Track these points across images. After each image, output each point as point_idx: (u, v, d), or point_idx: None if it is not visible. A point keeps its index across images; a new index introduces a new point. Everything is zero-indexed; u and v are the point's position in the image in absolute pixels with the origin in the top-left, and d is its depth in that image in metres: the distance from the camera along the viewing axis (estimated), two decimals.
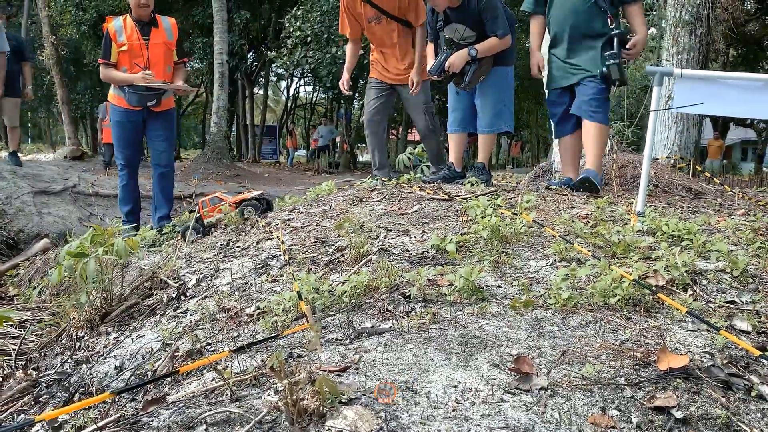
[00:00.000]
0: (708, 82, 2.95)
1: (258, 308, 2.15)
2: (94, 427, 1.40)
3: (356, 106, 25.15)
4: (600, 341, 1.56)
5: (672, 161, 6.12)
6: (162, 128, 4.88)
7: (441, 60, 4.22)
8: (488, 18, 4.11)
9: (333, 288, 2.05)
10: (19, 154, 8.17)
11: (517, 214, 2.74)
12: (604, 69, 3.72)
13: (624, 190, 4.86)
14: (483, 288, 1.92)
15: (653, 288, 1.88)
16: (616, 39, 3.72)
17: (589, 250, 2.32)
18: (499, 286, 1.99)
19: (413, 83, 4.56)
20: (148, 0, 4.60)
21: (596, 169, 3.81)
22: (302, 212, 3.74)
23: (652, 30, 8.95)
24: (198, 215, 3.96)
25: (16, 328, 3.52)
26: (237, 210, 3.93)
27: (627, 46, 3.75)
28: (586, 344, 1.54)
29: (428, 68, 4.40)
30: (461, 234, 2.56)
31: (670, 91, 4.96)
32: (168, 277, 2.91)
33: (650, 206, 3.29)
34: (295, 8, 13.24)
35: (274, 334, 1.62)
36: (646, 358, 1.45)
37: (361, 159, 27.96)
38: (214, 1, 13.40)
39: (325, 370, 1.34)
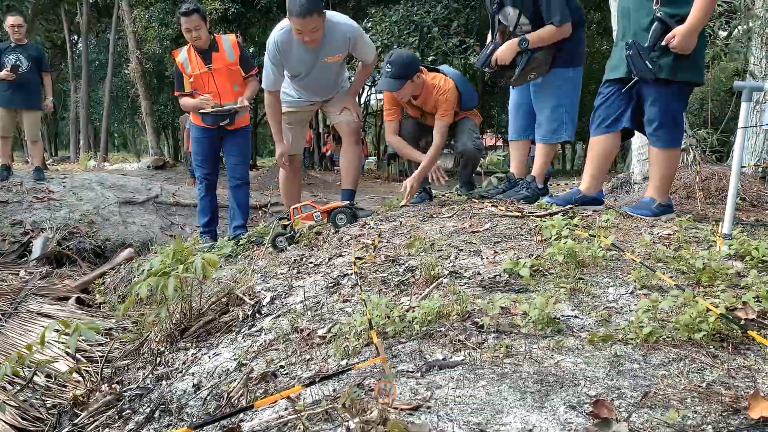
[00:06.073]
0: None
1: (329, 331, 2.17)
2: None
3: None
4: (684, 382, 1.48)
5: (761, 170, 5.76)
6: (236, 145, 5.14)
7: (488, 52, 3.85)
8: (543, 1, 3.65)
9: (403, 314, 2.04)
10: (48, 167, 7.84)
11: (594, 236, 2.65)
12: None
13: (708, 204, 4.63)
14: (558, 319, 1.87)
15: (742, 323, 1.77)
16: (655, 24, 3.13)
17: (672, 277, 2.21)
18: (575, 317, 1.93)
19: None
20: (199, 33, 4.75)
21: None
22: (373, 228, 3.76)
23: (738, 30, 8.48)
24: (289, 222, 4.03)
25: (102, 336, 3.72)
26: (329, 218, 4.03)
27: (663, 40, 3.11)
28: (669, 385, 1.47)
29: (476, 62, 4.07)
30: (535, 257, 2.50)
31: (760, 100, 4.67)
32: (244, 294, 2.98)
33: (737, 224, 3.11)
34: (365, 20, 13.36)
35: (345, 368, 1.62)
36: (736, 403, 1.36)
37: None
38: None
39: (396, 408, 1.33)
